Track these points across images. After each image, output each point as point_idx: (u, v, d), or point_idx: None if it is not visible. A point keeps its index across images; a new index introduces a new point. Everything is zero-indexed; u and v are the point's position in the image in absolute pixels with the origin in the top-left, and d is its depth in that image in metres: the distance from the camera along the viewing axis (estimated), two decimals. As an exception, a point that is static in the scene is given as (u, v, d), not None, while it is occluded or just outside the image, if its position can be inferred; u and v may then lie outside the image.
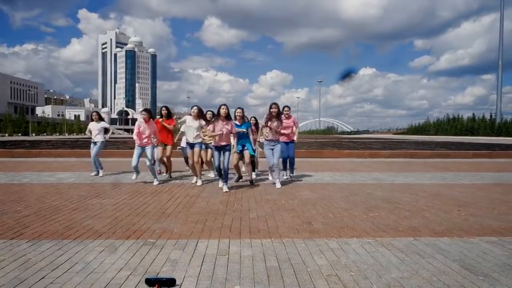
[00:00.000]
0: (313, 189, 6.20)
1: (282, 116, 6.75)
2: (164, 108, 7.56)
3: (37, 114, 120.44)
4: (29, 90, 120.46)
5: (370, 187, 6.37)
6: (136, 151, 6.76)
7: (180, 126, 7.26)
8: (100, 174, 7.76)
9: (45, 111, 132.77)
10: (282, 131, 6.77)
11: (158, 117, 7.59)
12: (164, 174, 7.79)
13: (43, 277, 2.43)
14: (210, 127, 5.95)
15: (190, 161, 6.80)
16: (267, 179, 7.26)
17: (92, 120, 8.04)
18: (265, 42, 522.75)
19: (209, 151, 6.75)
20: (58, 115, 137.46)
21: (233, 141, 6.62)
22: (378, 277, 2.48)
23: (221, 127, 5.90)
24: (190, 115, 6.60)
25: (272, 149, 6.50)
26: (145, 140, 6.71)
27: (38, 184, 6.56)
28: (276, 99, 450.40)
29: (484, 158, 14.18)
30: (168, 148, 7.36)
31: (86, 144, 18.66)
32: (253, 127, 7.23)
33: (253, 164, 7.53)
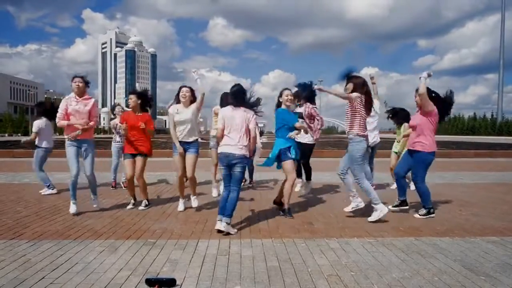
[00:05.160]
0: (314, 188, 6.18)
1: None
2: (133, 96, 4.43)
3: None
4: (29, 90, 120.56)
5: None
6: (70, 152, 4.18)
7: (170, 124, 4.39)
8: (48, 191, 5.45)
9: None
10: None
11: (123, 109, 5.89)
12: (132, 205, 4.64)
13: (43, 277, 2.42)
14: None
15: (178, 172, 4.41)
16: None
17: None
18: (269, 42, 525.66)
19: (213, 151, 5.38)
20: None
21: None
22: (379, 277, 2.48)
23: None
24: (178, 102, 4.34)
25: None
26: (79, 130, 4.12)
27: (38, 184, 6.53)
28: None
29: (485, 157, 14.15)
30: (140, 160, 4.46)
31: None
32: (309, 110, 4.98)
33: (307, 169, 5.50)
